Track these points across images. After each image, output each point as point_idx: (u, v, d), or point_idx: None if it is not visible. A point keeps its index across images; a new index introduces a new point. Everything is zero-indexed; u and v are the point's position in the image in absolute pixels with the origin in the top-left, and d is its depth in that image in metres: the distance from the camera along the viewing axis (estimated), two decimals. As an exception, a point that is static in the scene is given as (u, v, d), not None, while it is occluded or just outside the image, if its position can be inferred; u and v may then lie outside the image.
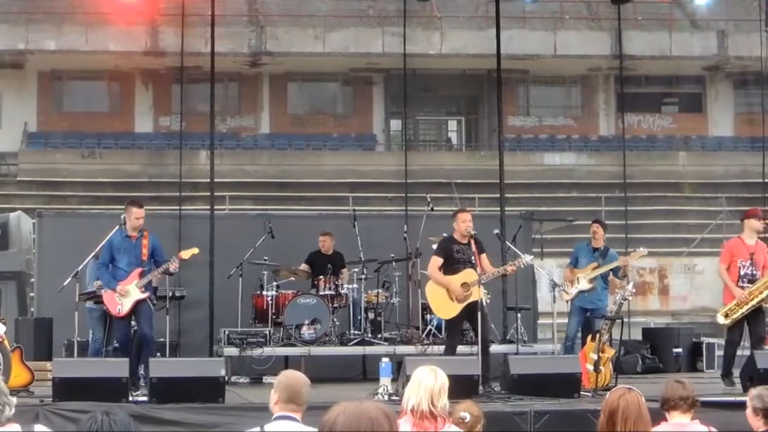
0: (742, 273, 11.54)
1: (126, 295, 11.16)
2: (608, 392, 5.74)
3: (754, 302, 11.42)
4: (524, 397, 10.30)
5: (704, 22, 31.35)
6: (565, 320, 13.37)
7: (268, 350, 12.88)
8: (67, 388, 9.75)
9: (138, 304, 11.17)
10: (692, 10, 30.15)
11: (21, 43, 29.56)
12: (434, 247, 11.76)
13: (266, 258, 13.78)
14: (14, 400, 4.99)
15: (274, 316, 13.34)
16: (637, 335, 15.87)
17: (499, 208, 15.00)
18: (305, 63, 31.33)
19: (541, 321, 16.34)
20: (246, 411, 9.74)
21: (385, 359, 10.86)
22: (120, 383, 9.90)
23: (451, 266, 11.16)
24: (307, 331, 13.10)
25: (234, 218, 19.04)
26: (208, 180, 15.17)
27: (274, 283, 13.70)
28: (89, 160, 30.48)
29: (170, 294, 12.13)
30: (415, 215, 15.17)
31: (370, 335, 13.43)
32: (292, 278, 14.02)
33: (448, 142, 35.58)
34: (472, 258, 11.06)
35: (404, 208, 15.90)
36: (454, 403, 6.01)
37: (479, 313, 10.78)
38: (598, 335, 11.55)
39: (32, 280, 17.46)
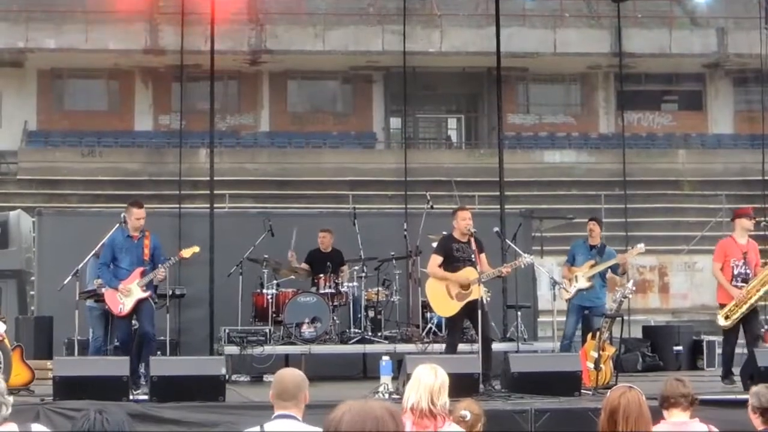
0: (735, 272, 11.54)
1: (128, 294, 11.17)
2: (609, 391, 5.73)
3: (752, 301, 11.42)
4: (525, 395, 10.27)
5: (704, 19, 31.33)
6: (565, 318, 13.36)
7: (268, 349, 12.86)
8: (67, 387, 9.74)
9: (139, 303, 11.19)
10: (692, 7, 30.18)
11: (21, 42, 29.53)
12: (434, 245, 11.76)
13: (266, 256, 13.78)
14: (11, 399, 4.97)
15: (274, 315, 13.33)
16: (637, 333, 15.86)
17: (498, 206, 14.96)
18: (305, 61, 31.32)
19: (541, 319, 16.35)
20: (246, 410, 9.71)
21: (385, 357, 10.85)
22: (120, 382, 9.90)
23: (450, 264, 11.15)
24: (307, 330, 13.09)
25: (234, 216, 19.06)
26: (208, 178, 15.14)
27: (275, 282, 13.70)
28: (89, 158, 30.45)
29: (170, 292, 12.12)
30: (415, 213, 15.16)
31: (370, 333, 13.41)
32: (292, 276, 14.03)
33: (447, 140, 35.55)
34: (472, 256, 11.05)
35: (404, 206, 15.88)
36: (454, 402, 6.00)
37: (479, 311, 10.78)
38: (598, 333, 11.53)
39: (32, 278, 17.45)
